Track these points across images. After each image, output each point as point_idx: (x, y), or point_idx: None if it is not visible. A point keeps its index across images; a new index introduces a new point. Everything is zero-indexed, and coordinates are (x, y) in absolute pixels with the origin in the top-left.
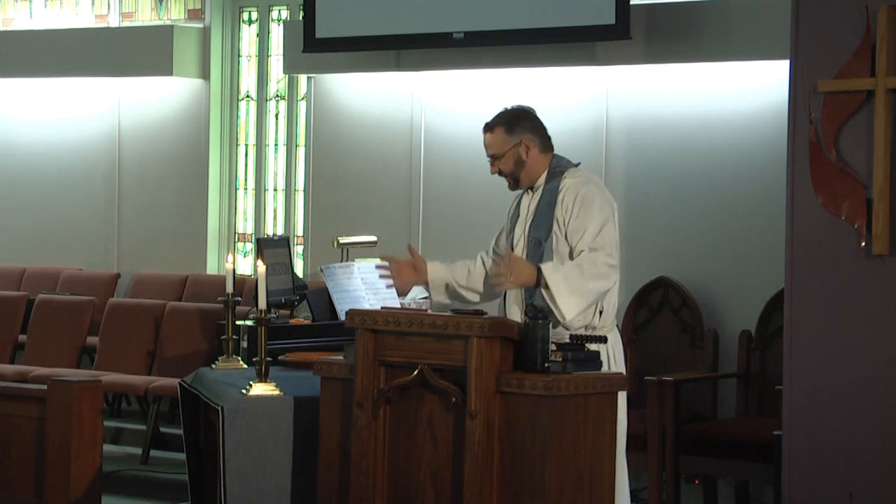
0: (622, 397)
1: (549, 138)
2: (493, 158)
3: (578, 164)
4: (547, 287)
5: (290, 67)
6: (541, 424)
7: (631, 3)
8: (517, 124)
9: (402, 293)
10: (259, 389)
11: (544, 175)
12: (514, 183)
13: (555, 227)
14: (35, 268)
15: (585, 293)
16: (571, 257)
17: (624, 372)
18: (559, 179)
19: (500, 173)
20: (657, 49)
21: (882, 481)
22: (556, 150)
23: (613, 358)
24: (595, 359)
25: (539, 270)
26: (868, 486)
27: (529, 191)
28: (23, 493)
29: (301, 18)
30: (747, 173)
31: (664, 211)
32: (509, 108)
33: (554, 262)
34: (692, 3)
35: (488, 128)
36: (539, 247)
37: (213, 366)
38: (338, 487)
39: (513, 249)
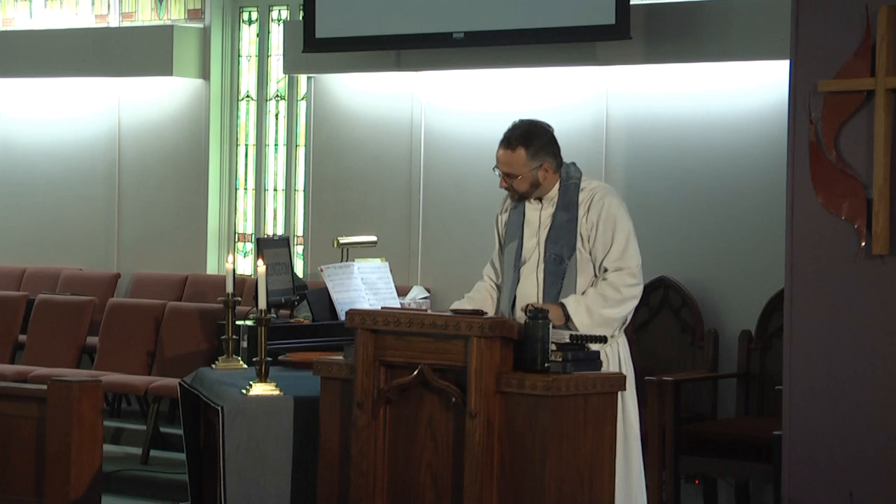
0: (632, 398)
1: (561, 155)
2: (508, 176)
3: (574, 164)
4: (571, 322)
5: (290, 67)
6: (541, 424)
7: (631, 3)
8: (541, 148)
9: None
10: (259, 389)
11: (556, 187)
12: (521, 199)
13: (578, 245)
14: (35, 268)
15: (611, 321)
16: (596, 273)
17: (633, 373)
18: (576, 193)
19: (507, 188)
20: (657, 49)
21: (882, 481)
22: None
23: (623, 360)
24: (595, 359)
25: (564, 307)
26: (868, 486)
27: (536, 200)
28: (23, 493)
29: (301, 18)
30: (747, 173)
31: (664, 211)
32: (531, 125)
33: (576, 296)
34: (692, 3)
35: (508, 145)
36: (561, 263)
37: (213, 366)
38: (338, 487)
39: (524, 262)
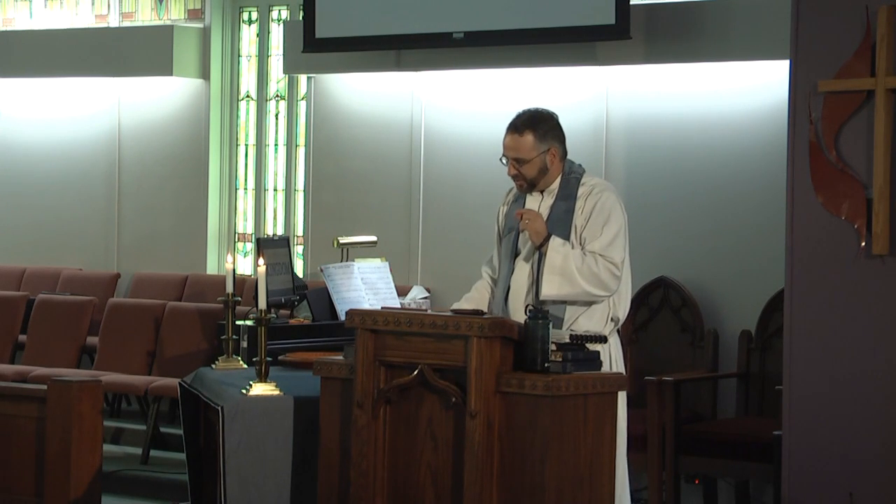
0: (622, 398)
1: (566, 143)
2: (517, 162)
3: (580, 165)
4: (543, 255)
5: (290, 67)
6: (541, 424)
7: (631, 3)
8: (548, 132)
9: None
10: (259, 389)
11: (558, 179)
12: (530, 187)
13: (572, 237)
14: (35, 268)
15: (573, 284)
16: None
17: (624, 373)
18: (576, 186)
19: (516, 175)
20: (657, 49)
21: (882, 481)
22: None
23: (615, 360)
24: (595, 359)
25: (549, 236)
26: (868, 486)
27: (537, 192)
28: (23, 493)
29: (301, 18)
30: (747, 173)
31: (664, 211)
32: (537, 111)
33: (566, 241)
34: (692, 3)
35: (516, 130)
36: None
37: (213, 366)
38: (338, 487)
39: (520, 252)
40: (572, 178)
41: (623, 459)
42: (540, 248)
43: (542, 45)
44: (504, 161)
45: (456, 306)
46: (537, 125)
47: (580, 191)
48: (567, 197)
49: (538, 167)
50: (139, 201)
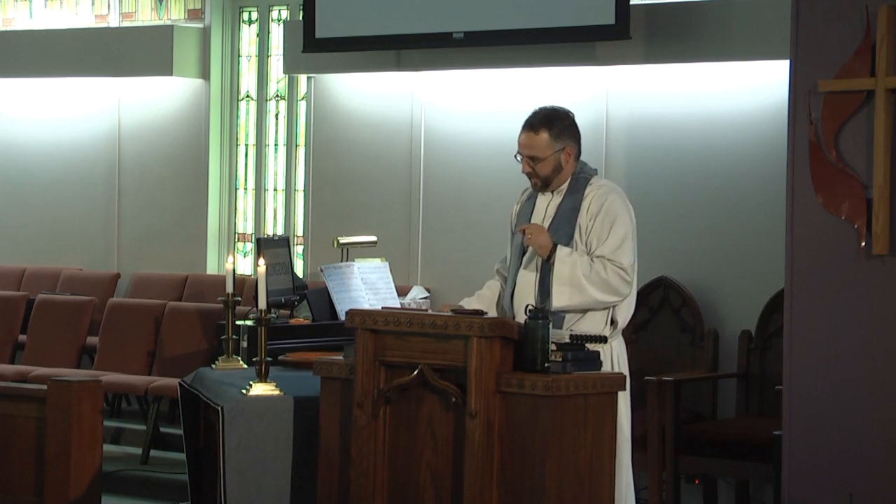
0: (625, 400)
1: (581, 143)
2: (532, 160)
3: (595, 169)
4: (552, 267)
5: (290, 67)
6: (541, 424)
7: (631, 3)
8: (563, 130)
9: None
10: (259, 389)
11: (568, 180)
12: (544, 186)
13: (576, 235)
14: (35, 268)
15: (583, 293)
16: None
17: (627, 375)
18: (584, 187)
19: (531, 173)
20: (657, 49)
21: (882, 481)
22: None
23: (618, 362)
24: (595, 358)
25: (555, 247)
26: (868, 486)
27: (547, 192)
28: (23, 493)
29: (301, 18)
30: (747, 173)
31: (664, 211)
32: (553, 109)
33: (573, 249)
34: (692, 3)
35: (531, 128)
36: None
37: (213, 366)
38: (338, 487)
39: (527, 250)
40: (581, 177)
41: (628, 461)
42: (548, 260)
43: (542, 45)
44: (518, 158)
45: (465, 302)
46: (553, 123)
47: (587, 191)
48: (574, 195)
49: (552, 165)
50: (139, 201)
